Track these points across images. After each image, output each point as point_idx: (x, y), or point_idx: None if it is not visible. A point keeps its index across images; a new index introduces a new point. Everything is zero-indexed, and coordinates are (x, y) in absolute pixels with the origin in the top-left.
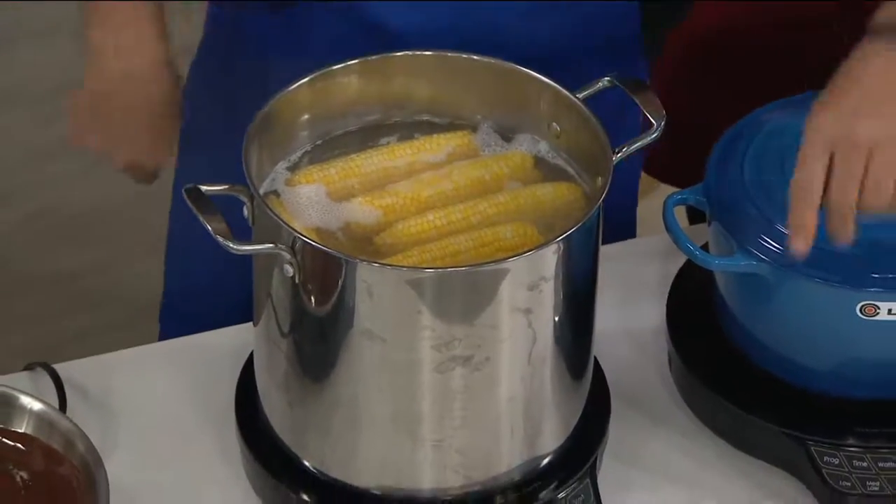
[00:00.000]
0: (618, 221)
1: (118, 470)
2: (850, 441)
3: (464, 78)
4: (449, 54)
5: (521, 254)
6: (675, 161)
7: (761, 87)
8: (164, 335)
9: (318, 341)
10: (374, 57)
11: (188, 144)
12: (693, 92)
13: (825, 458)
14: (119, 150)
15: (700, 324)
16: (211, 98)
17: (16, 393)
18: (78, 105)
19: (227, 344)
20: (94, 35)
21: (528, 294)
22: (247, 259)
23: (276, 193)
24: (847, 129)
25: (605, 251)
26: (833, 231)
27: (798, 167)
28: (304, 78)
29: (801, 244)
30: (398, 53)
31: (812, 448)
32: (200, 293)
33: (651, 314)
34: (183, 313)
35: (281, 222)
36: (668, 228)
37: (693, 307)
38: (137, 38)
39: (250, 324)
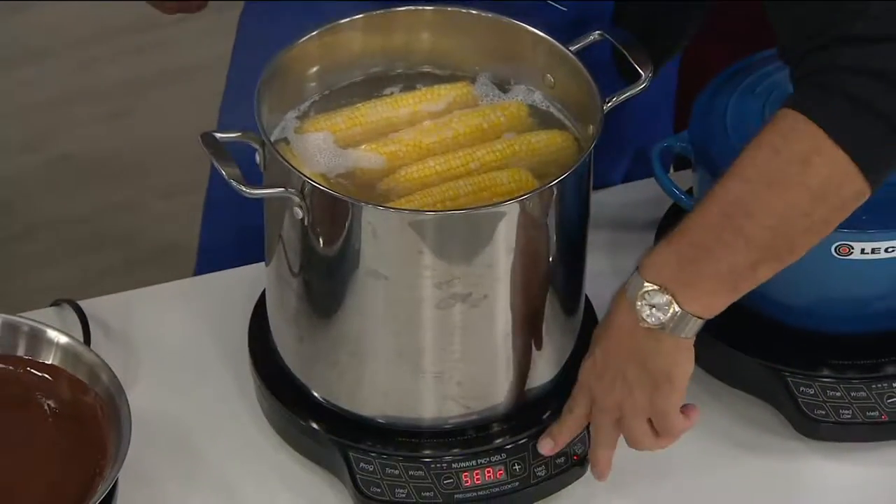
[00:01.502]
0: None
1: (139, 400)
2: (825, 372)
3: (463, 32)
4: (449, 9)
5: (517, 198)
6: None
7: (741, 46)
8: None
9: (326, 280)
10: (377, 12)
11: (232, 90)
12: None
13: (801, 389)
14: None
15: None
16: (256, 45)
17: (43, 327)
18: None
19: (241, 282)
20: None
21: (523, 236)
22: None
23: (286, 141)
24: (595, 393)
25: (596, 196)
26: (591, 463)
27: (568, 403)
28: (311, 32)
29: (545, 448)
30: (401, 8)
31: (789, 379)
32: (236, 234)
33: (639, 255)
34: (218, 253)
35: (291, 168)
36: (655, 174)
37: None
38: None
39: (262, 263)
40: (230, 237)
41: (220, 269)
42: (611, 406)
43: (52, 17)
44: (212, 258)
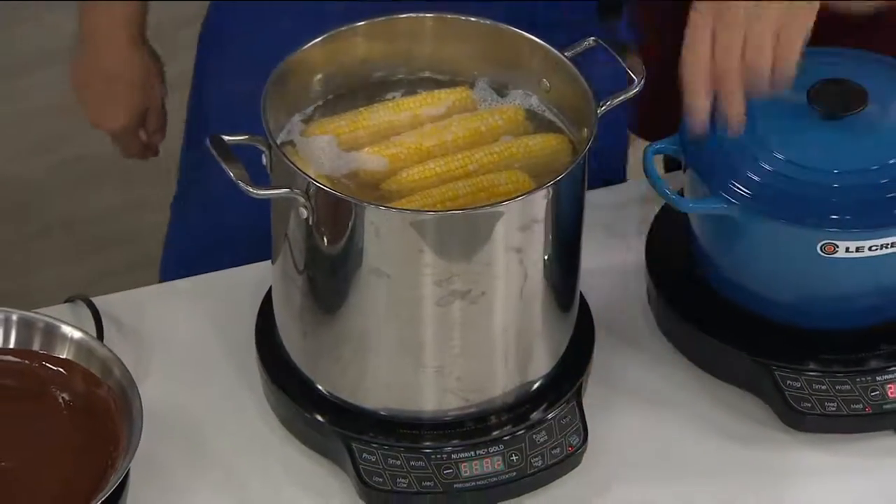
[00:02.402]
0: (609, 166)
1: (150, 393)
2: (811, 366)
3: (462, 38)
4: (448, 16)
5: (514, 198)
6: (651, 117)
7: None
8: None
9: (330, 277)
10: (379, 19)
11: (199, 96)
12: (667, 54)
13: (788, 382)
14: (87, 112)
15: (676, 262)
16: (222, 53)
17: (58, 323)
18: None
19: (248, 280)
20: (81, 21)
21: (520, 235)
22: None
23: (291, 143)
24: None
25: (591, 196)
26: (724, 108)
27: (686, 42)
28: (316, 38)
29: (696, 126)
30: (402, 16)
31: (776, 373)
32: (203, 239)
33: (632, 253)
34: (185, 259)
35: (296, 169)
36: (647, 175)
37: (670, 247)
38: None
39: (269, 261)
40: (199, 242)
41: (186, 274)
42: (737, 20)
43: (60, 21)
44: (178, 264)
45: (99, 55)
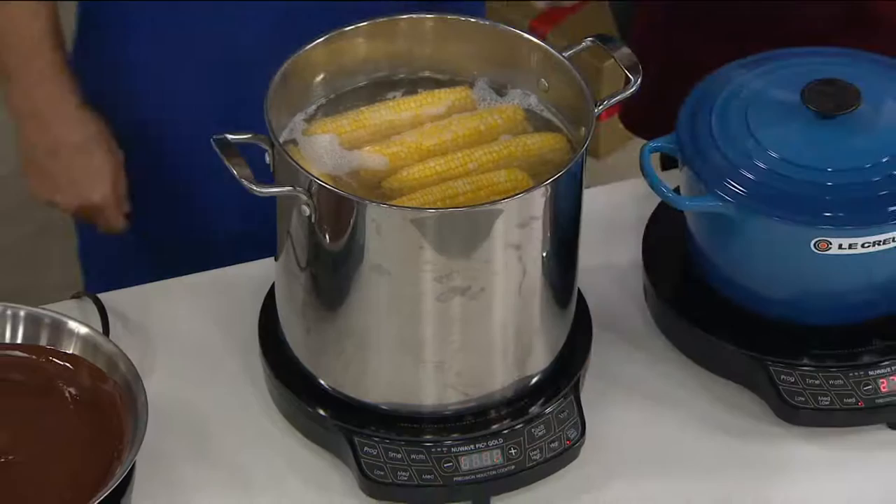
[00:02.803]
0: None
1: (155, 388)
2: (805, 361)
3: (462, 39)
4: (448, 17)
5: (513, 196)
6: (648, 115)
7: (727, 50)
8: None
9: (332, 274)
10: (381, 19)
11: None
12: (665, 54)
13: (782, 377)
14: (64, 197)
15: (672, 259)
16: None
17: (65, 318)
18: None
19: (252, 276)
20: (12, 102)
21: (519, 232)
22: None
23: (294, 142)
24: None
25: (588, 194)
26: None
27: None
28: (319, 38)
29: None
30: (403, 16)
31: (770, 367)
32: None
33: (629, 250)
34: (101, 262)
35: (299, 168)
36: (644, 173)
37: (666, 244)
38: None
39: (272, 259)
40: (112, 251)
41: (108, 283)
42: None
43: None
44: (97, 273)
45: (53, 133)
